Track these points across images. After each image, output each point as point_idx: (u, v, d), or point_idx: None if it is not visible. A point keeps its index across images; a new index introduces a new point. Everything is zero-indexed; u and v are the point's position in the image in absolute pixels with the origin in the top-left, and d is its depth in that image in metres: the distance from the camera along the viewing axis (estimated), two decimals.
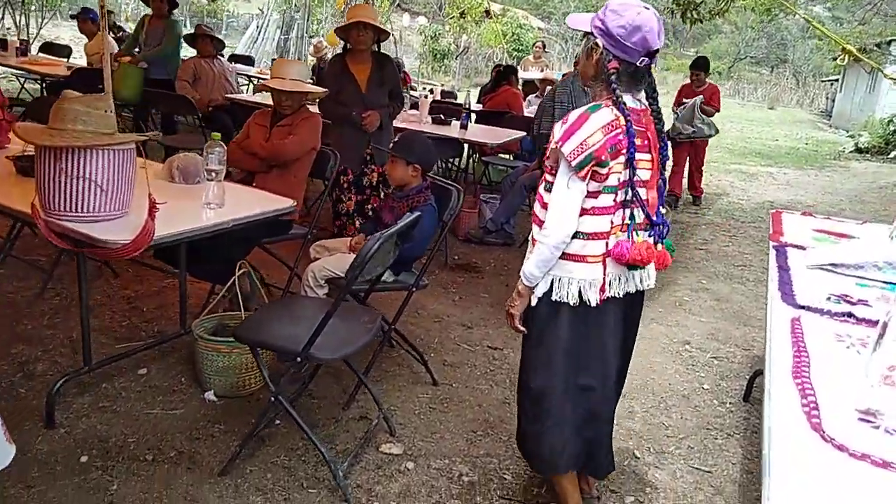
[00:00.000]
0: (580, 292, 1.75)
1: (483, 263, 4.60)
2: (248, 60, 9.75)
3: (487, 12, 22.79)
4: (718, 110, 6.51)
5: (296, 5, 15.55)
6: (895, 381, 1.26)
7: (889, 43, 16.39)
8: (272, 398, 2.10)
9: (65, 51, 8.06)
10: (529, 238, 1.86)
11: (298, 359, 1.99)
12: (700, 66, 6.48)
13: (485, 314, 3.72)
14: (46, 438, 2.28)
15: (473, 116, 6.71)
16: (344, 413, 2.62)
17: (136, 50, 5.99)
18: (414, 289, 2.72)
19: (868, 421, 1.22)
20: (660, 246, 1.77)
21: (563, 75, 5.19)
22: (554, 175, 1.71)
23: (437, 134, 4.80)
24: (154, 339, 3.00)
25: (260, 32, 15.23)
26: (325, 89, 3.39)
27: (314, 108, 3.56)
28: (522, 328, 1.87)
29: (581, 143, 1.62)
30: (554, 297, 1.76)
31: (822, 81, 29.76)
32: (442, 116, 5.44)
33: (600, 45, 1.68)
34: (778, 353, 1.48)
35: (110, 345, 2.94)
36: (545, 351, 1.84)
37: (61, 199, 1.97)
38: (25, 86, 7.99)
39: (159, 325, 3.16)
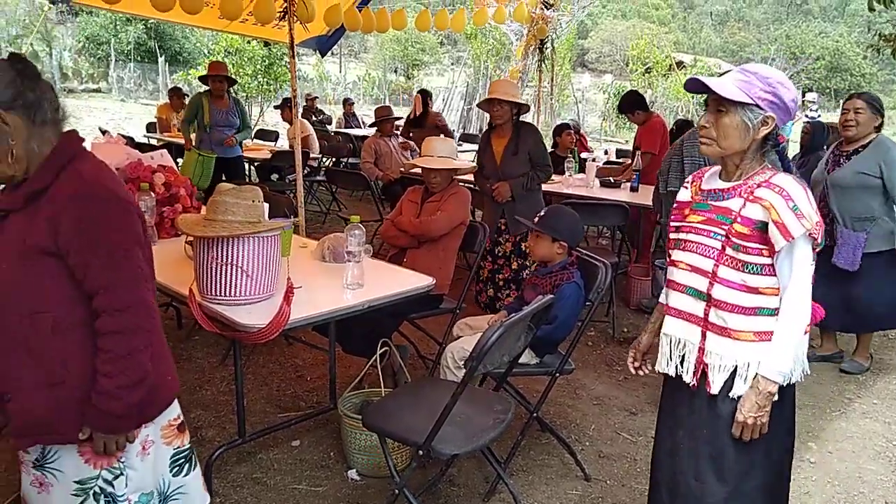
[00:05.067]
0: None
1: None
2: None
3: (679, 64, 22.05)
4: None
5: (481, 77, 16.29)
6: None
7: None
8: (396, 490, 2.02)
9: (272, 135, 9.18)
10: (702, 333, 1.71)
11: (420, 452, 1.90)
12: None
13: (653, 398, 3.35)
14: None
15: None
16: None
17: (191, 126, 5.87)
18: (557, 374, 2.51)
19: None
20: None
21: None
22: (759, 254, 1.61)
23: (604, 199, 4.57)
24: (312, 409, 3.11)
25: (445, 104, 16.13)
26: (473, 165, 3.41)
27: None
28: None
29: (820, 220, 1.58)
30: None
31: None
32: (611, 179, 5.19)
33: (775, 118, 1.61)
34: None
35: (273, 413, 3.10)
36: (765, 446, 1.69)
37: (212, 284, 2.12)
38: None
39: (319, 396, 3.28)
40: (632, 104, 5.39)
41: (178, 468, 1.66)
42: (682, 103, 18.17)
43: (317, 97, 11.42)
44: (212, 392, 3.28)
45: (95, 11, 18.39)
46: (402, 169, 5.79)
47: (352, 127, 10.43)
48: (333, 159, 8.71)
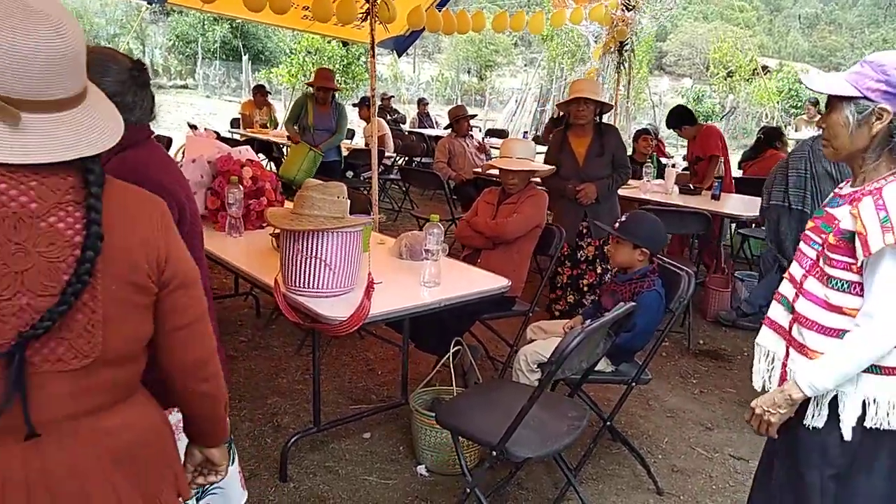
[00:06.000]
0: None
1: (734, 351, 4.06)
2: (502, 134, 10.29)
3: (763, 68, 21.23)
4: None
5: (554, 78, 16.16)
6: None
7: None
8: (467, 489, 2.02)
9: (349, 133, 9.37)
10: (786, 348, 1.58)
11: (493, 452, 1.90)
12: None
13: (730, 414, 3.23)
14: (278, 491, 2.49)
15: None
16: None
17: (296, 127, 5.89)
18: (634, 383, 2.46)
19: None
20: None
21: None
22: (846, 269, 1.45)
23: (684, 206, 4.45)
24: (383, 403, 3.16)
25: (518, 106, 16.06)
26: (551, 167, 3.36)
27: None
28: (775, 435, 1.56)
29: None
30: (870, 424, 1.45)
31: None
32: (691, 186, 5.04)
33: (890, 110, 1.41)
34: None
35: (345, 404, 3.17)
36: (853, 497, 1.51)
37: (297, 276, 2.18)
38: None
39: (389, 391, 3.33)
40: (679, 119, 5.27)
41: None
42: (766, 109, 17.44)
43: (392, 96, 11.61)
44: (287, 380, 3.38)
45: (185, 11, 19.30)
46: (475, 170, 5.80)
47: (425, 127, 10.53)
48: (406, 158, 8.83)
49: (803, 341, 1.51)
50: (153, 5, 7.04)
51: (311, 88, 5.91)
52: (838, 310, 1.45)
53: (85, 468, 0.92)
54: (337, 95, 6.15)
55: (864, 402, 1.44)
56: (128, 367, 0.98)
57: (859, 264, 1.41)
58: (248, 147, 3.54)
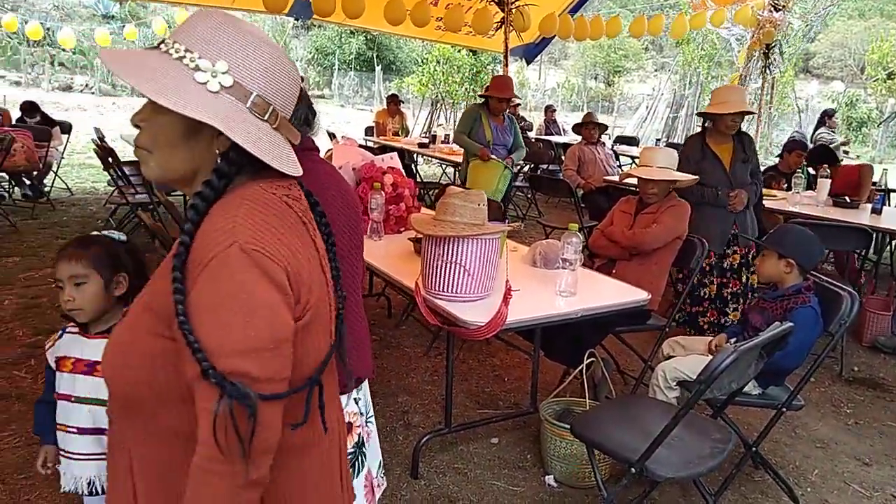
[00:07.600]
0: None
1: (894, 381, 3.68)
2: (632, 141, 9.98)
3: None
4: None
5: (688, 83, 15.46)
6: None
7: None
8: None
9: None
10: None
11: (633, 469, 1.85)
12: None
13: (891, 449, 2.94)
14: (410, 487, 2.57)
15: (894, 198, 5.58)
16: None
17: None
18: (784, 409, 2.30)
19: None
20: None
21: None
22: None
23: (838, 220, 4.10)
24: (510, 410, 3.17)
25: (649, 112, 15.51)
26: (695, 177, 3.22)
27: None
28: None
29: None
30: None
31: None
32: (847, 199, 4.63)
33: None
34: None
35: (472, 408, 3.21)
36: None
37: (437, 280, 2.25)
38: (446, 171, 9.75)
39: (516, 398, 3.33)
40: (818, 158, 5.38)
41: None
42: None
43: (519, 104, 11.61)
44: (416, 380, 3.48)
45: (325, 26, 20.44)
46: (606, 178, 5.68)
47: (552, 134, 10.45)
48: (532, 165, 8.81)
49: None
50: (299, 21, 7.49)
51: (483, 99, 5.53)
52: None
53: None
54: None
55: None
56: None
57: None
58: (395, 155, 3.59)
